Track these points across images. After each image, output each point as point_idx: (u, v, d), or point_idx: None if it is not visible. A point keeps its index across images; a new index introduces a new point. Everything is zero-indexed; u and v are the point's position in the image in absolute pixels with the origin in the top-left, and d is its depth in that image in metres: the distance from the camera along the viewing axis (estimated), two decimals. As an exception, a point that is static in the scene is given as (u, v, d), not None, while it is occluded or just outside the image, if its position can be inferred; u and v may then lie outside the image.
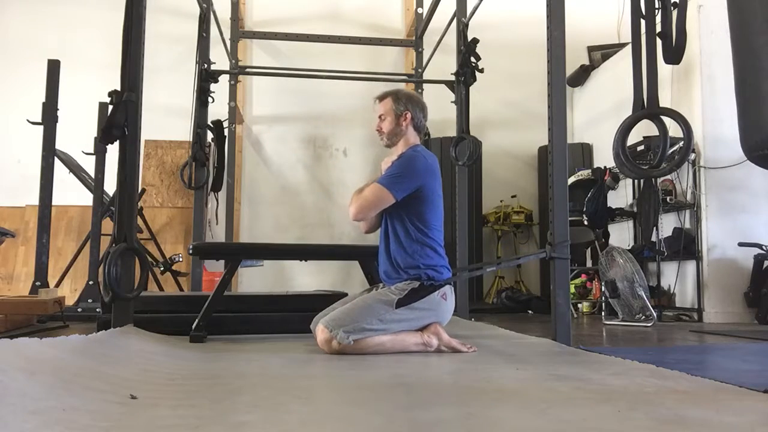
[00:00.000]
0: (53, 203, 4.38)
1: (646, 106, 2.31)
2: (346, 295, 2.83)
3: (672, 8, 2.32)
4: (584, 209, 5.20)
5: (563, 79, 2.74)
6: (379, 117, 2.56)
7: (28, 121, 4.36)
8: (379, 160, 2.58)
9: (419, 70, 5.99)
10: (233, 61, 5.86)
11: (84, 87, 5.46)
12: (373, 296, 2.34)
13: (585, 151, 6.39)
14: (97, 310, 3.90)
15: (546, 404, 1.37)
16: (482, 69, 4.12)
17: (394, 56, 6.67)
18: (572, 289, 5.06)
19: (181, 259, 4.78)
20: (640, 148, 4.72)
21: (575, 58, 6.44)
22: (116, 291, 2.40)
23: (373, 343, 2.22)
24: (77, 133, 4.94)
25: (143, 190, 5.51)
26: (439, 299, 2.36)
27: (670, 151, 3.28)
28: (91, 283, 4.40)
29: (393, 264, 2.42)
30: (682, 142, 2.28)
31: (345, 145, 6.50)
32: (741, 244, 4.47)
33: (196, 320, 2.64)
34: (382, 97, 2.57)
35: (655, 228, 4.78)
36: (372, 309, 2.25)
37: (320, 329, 2.23)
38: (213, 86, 4.47)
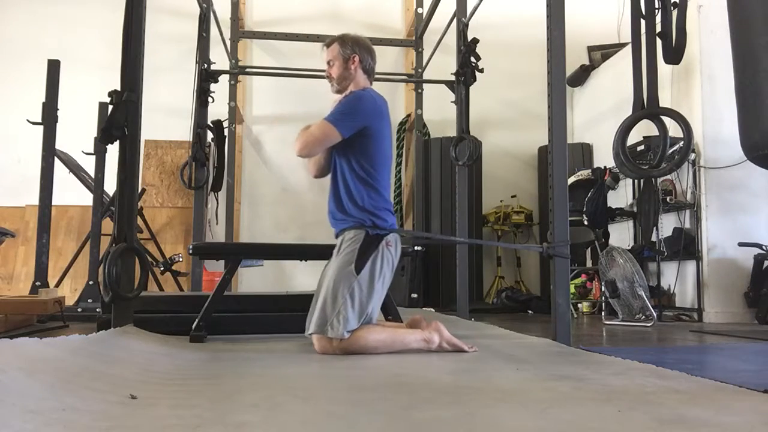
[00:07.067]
0: (53, 203, 4.37)
1: (646, 106, 2.32)
2: None
3: (672, 8, 2.32)
4: (584, 209, 5.20)
5: (563, 79, 2.74)
6: (328, 63, 2.58)
7: (28, 121, 4.36)
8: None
9: (419, 70, 6.00)
10: (233, 61, 5.86)
11: (84, 87, 5.47)
12: (331, 278, 2.32)
13: (585, 151, 6.39)
14: (97, 310, 3.90)
15: (546, 404, 1.37)
16: (482, 69, 4.11)
17: (394, 56, 6.67)
18: (572, 289, 5.06)
19: (181, 259, 4.78)
20: (640, 148, 4.72)
21: (575, 58, 6.45)
22: (116, 291, 2.40)
23: (373, 342, 2.22)
24: (77, 133, 4.95)
25: (143, 190, 5.51)
26: (386, 249, 2.36)
27: (670, 151, 3.28)
28: (91, 283, 4.40)
29: (338, 204, 2.47)
30: (682, 142, 2.29)
31: (345, 145, 6.49)
32: (741, 244, 4.47)
33: (196, 320, 2.64)
34: (329, 43, 2.58)
35: (655, 228, 4.78)
36: (339, 291, 2.24)
37: (315, 339, 2.24)
38: (213, 86, 4.47)
